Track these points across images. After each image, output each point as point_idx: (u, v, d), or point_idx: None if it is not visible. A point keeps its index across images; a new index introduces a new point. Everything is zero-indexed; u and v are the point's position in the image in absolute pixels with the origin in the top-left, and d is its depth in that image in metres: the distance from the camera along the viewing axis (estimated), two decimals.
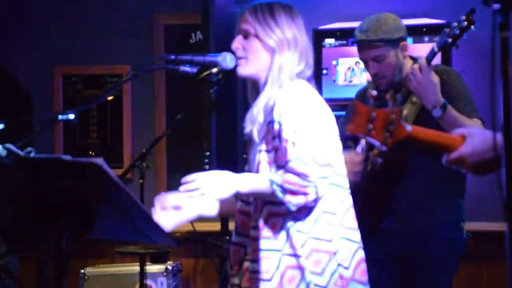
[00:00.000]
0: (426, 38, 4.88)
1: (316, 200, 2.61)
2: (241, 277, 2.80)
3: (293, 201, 2.56)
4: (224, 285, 4.23)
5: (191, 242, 5.14)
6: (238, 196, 2.79)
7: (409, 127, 1.96)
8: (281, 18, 2.75)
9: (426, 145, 2.04)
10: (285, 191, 2.55)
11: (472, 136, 2.01)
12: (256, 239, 2.69)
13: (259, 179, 2.63)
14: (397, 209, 3.53)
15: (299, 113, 2.61)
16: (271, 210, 2.66)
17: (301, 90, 2.69)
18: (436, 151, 2.06)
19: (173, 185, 5.49)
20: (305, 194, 2.55)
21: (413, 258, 3.57)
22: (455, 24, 3.29)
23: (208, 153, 3.82)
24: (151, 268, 4.87)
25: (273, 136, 2.67)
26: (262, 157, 2.69)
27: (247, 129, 2.76)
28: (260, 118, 2.71)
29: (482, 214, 4.91)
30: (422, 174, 3.51)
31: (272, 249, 2.65)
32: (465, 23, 3.26)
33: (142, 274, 4.62)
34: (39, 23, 5.65)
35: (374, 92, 1.99)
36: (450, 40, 3.31)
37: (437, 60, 4.79)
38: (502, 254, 1.86)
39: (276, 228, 2.65)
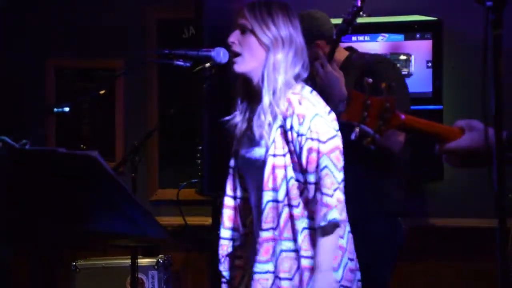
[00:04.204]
0: (418, 35, 4.90)
1: None
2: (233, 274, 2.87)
3: (343, 214, 2.72)
4: (214, 279, 4.25)
5: (182, 236, 5.15)
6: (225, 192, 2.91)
7: (403, 116, 1.98)
8: (278, 16, 2.79)
9: (420, 133, 2.07)
10: (340, 211, 2.69)
11: (473, 130, 2.02)
12: (272, 240, 2.75)
13: (330, 250, 2.71)
14: None
15: (319, 122, 2.69)
16: (291, 212, 2.73)
17: (311, 95, 2.76)
18: (430, 139, 2.08)
19: (165, 179, 5.51)
20: (338, 199, 2.70)
21: None
22: (350, 9, 3.40)
23: (200, 147, 3.83)
24: (142, 261, 4.87)
25: (286, 141, 2.72)
26: (276, 161, 2.73)
27: (256, 134, 2.78)
28: (269, 120, 2.74)
29: (471, 211, 4.94)
30: (355, 165, 3.55)
31: (291, 250, 2.73)
32: (355, 8, 3.37)
33: (134, 267, 4.63)
34: (31, 16, 5.64)
35: (370, 80, 2.00)
36: (344, 25, 3.42)
37: (428, 56, 4.84)
38: (491, 250, 1.88)
39: (294, 228, 2.73)
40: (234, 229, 2.92)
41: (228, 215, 2.92)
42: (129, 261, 4.63)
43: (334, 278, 2.69)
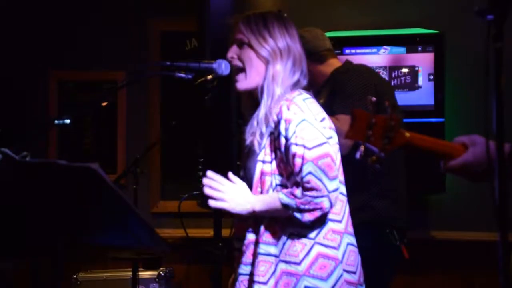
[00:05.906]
0: (420, 48, 4.91)
1: (329, 211, 2.66)
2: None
3: (310, 218, 2.62)
4: None
5: (184, 248, 5.15)
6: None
7: (408, 134, 1.97)
8: (274, 27, 2.78)
9: (424, 152, 2.06)
10: (302, 211, 2.61)
11: (475, 145, 2.02)
12: (254, 243, 2.73)
13: (274, 200, 2.67)
14: None
15: (306, 127, 2.63)
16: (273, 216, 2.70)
17: (303, 102, 2.71)
18: (434, 157, 2.08)
19: (167, 190, 5.51)
20: (321, 208, 2.61)
21: None
22: None
23: (202, 159, 3.83)
24: (144, 274, 4.87)
25: (275, 147, 2.70)
26: (265, 167, 2.72)
27: (247, 141, 2.77)
28: (262, 129, 2.73)
29: (473, 224, 4.93)
30: None
31: (270, 254, 2.68)
32: None
33: (135, 280, 4.62)
34: (34, 28, 5.65)
35: (374, 98, 1.99)
36: None
37: (430, 69, 4.84)
38: (490, 263, 1.87)
39: (277, 234, 2.69)
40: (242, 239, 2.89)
41: (238, 225, 2.89)
42: (130, 273, 4.64)
43: (250, 202, 2.71)
